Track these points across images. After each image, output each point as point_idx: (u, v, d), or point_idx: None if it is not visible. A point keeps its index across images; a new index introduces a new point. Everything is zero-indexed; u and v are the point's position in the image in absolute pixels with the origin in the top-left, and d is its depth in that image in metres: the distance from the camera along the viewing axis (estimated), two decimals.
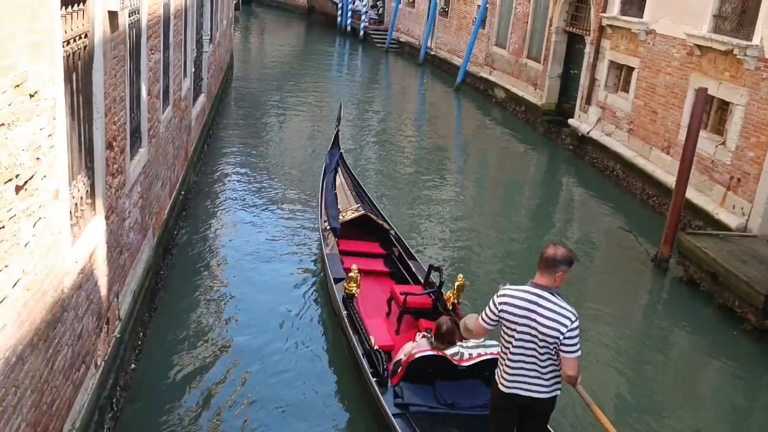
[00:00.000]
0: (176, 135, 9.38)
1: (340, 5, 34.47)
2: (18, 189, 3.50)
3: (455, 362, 5.45)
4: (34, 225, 3.74)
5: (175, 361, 6.66)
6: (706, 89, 9.85)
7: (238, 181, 12.27)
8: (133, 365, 6.35)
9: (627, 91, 13.98)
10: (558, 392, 4.45)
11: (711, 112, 11.11)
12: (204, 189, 11.41)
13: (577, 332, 4.20)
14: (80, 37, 4.62)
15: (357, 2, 33.29)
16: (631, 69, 13.84)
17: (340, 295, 6.81)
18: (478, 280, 9.05)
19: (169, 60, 8.53)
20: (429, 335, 5.74)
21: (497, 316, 4.40)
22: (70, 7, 4.34)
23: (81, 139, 4.78)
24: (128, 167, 6.14)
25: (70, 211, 4.54)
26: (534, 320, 4.25)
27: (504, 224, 11.50)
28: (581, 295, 9.07)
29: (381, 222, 8.59)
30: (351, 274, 6.68)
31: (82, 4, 4.60)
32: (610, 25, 14.42)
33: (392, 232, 8.47)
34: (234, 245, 9.53)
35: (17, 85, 3.40)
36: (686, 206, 10.43)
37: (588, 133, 14.99)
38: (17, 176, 3.47)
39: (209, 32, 13.51)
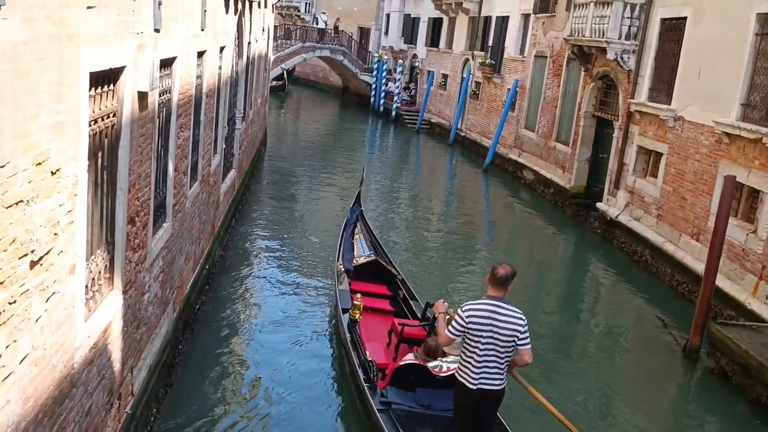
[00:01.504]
0: (203, 210, 9.50)
1: (373, 86, 35.32)
2: (33, 264, 3.53)
3: (434, 373, 6.39)
4: (47, 300, 3.76)
5: None
6: (735, 177, 9.76)
7: (264, 256, 12.32)
8: None
9: (656, 177, 13.91)
10: (504, 385, 5.40)
11: (741, 200, 10.97)
12: (230, 263, 11.46)
13: (527, 328, 5.31)
14: (108, 116, 4.75)
15: (390, 84, 34.09)
16: (659, 155, 13.82)
17: (345, 322, 8.01)
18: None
19: (199, 137, 8.73)
20: (416, 352, 6.82)
21: (465, 327, 5.27)
22: (99, 87, 4.48)
23: (102, 214, 4.85)
24: (150, 242, 6.20)
25: (87, 286, 4.57)
26: (496, 326, 5.24)
27: (531, 307, 11.27)
28: (609, 385, 8.79)
29: (389, 267, 9.66)
30: (355, 302, 7.96)
31: (112, 84, 4.76)
32: (639, 111, 14.50)
33: (399, 277, 9.48)
34: (256, 321, 9.52)
35: (39, 163, 3.48)
36: (717, 295, 10.17)
37: (616, 217, 14.87)
38: (33, 251, 3.52)
39: (242, 110, 13.87)
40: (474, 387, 5.29)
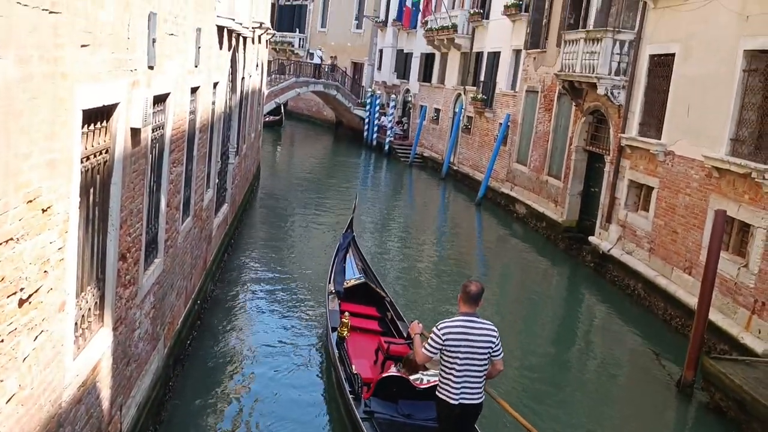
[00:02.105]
0: (195, 245, 9.48)
1: (366, 121, 35.57)
2: (21, 302, 3.51)
3: (415, 385, 6.87)
4: (35, 339, 3.73)
5: None
6: (725, 211, 9.82)
7: (256, 289, 12.27)
8: None
9: (647, 210, 13.98)
10: (483, 398, 5.66)
11: (732, 234, 11.02)
12: (222, 298, 11.40)
13: (499, 339, 5.61)
14: (101, 153, 4.76)
15: (383, 118, 34.34)
16: (650, 189, 13.91)
17: (334, 339, 8.39)
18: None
19: (192, 172, 8.75)
20: (399, 366, 7.20)
21: (441, 344, 5.47)
22: (92, 124, 4.50)
23: (93, 251, 4.83)
24: (141, 278, 6.17)
25: (76, 323, 4.54)
26: (472, 340, 5.47)
27: (525, 341, 11.27)
28: (603, 420, 8.73)
29: (378, 290, 10.04)
30: (343, 320, 8.37)
31: (105, 121, 4.78)
32: (629, 146, 14.63)
33: (387, 299, 9.87)
34: (248, 354, 9.47)
35: (30, 201, 3.48)
36: (710, 329, 10.15)
37: (609, 251, 14.90)
38: (21, 290, 3.50)
39: (236, 144, 13.92)
40: (456, 402, 5.51)
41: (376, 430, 6.55)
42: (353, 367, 7.53)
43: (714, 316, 10.35)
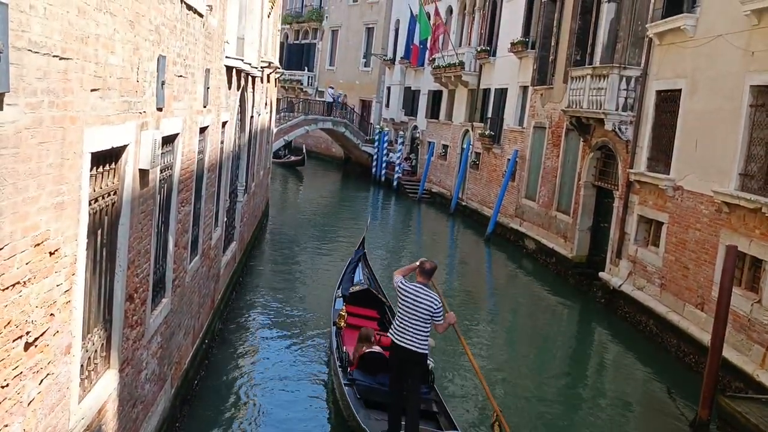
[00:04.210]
0: (203, 284, 9.47)
1: (375, 157, 35.75)
2: (27, 346, 3.49)
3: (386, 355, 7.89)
4: (41, 382, 3.70)
5: None
6: (736, 246, 9.74)
7: (264, 327, 12.20)
8: None
9: (657, 246, 13.90)
10: (426, 351, 7.20)
11: (744, 269, 10.92)
12: (230, 336, 11.33)
13: (441, 310, 7.20)
14: (109, 195, 4.78)
15: (391, 154, 34.51)
16: (660, 224, 13.84)
17: (333, 330, 9.70)
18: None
19: (201, 211, 8.78)
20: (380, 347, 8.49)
21: (399, 290, 7.24)
22: (101, 167, 4.53)
23: (100, 292, 4.83)
24: (148, 318, 6.15)
25: (82, 365, 4.51)
26: (417, 302, 7.12)
27: (537, 377, 11.13)
28: None
29: (380, 296, 11.08)
30: (341, 313, 9.70)
31: (113, 163, 4.81)
32: (638, 181, 14.61)
33: (387, 304, 10.80)
34: (256, 394, 9.39)
35: (37, 244, 3.49)
36: (724, 366, 10.01)
37: (619, 286, 14.79)
38: (28, 333, 3.48)
39: (245, 182, 13.99)
40: (398, 342, 7.16)
41: (355, 394, 7.98)
42: (344, 347, 8.97)
43: (728, 353, 10.21)
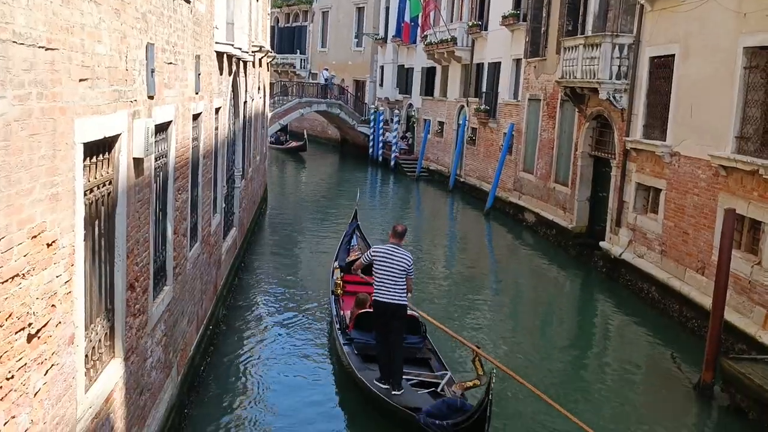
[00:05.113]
0: (205, 270, 9.49)
1: (371, 137, 35.67)
2: (30, 337, 3.52)
3: None
4: (46, 373, 3.73)
5: None
6: (734, 210, 9.75)
7: (268, 311, 12.26)
8: None
9: (656, 213, 13.91)
10: (406, 302, 7.96)
11: (743, 232, 10.94)
12: (234, 322, 11.39)
13: (413, 266, 8.06)
14: (104, 185, 4.79)
15: (387, 134, 34.43)
16: (658, 190, 13.84)
17: (332, 298, 10.61)
18: (518, 402, 8.74)
19: (198, 198, 8.78)
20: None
21: (371, 258, 8.04)
22: (94, 157, 4.53)
23: (101, 282, 4.85)
24: (151, 306, 6.17)
25: (87, 355, 4.54)
26: (392, 260, 7.89)
27: (541, 348, 11.20)
28: (621, 425, 8.63)
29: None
30: (337, 281, 10.48)
31: (107, 153, 4.81)
32: (634, 149, 14.59)
33: None
34: (263, 377, 9.47)
35: (34, 236, 3.50)
36: (727, 329, 10.06)
37: (620, 255, 14.82)
38: (30, 325, 3.51)
39: (241, 168, 13.98)
40: (379, 299, 7.91)
41: (353, 350, 8.82)
42: (342, 311, 9.82)
43: (730, 315, 10.26)
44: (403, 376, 8.05)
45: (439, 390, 7.96)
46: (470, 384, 7.83)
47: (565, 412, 7.41)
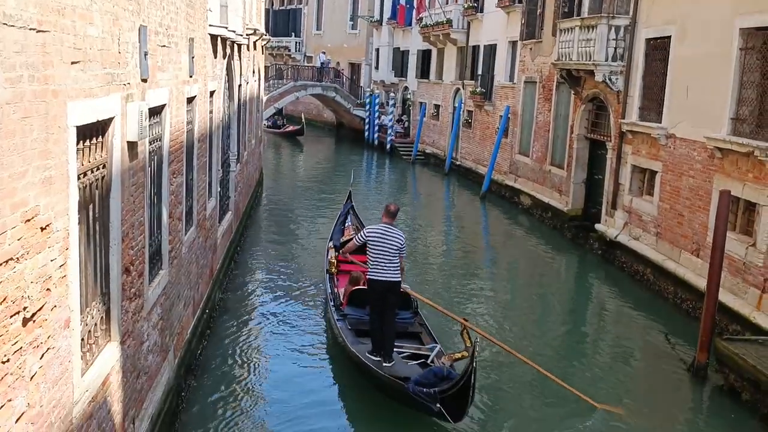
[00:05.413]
0: (200, 254, 9.49)
1: (366, 120, 35.56)
2: (25, 321, 3.52)
3: None
4: (42, 356, 3.74)
5: None
6: (729, 191, 9.76)
7: (264, 294, 12.29)
8: None
9: (652, 195, 13.93)
10: (400, 278, 8.24)
11: (738, 214, 10.96)
12: (230, 306, 11.41)
13: (406, 245, 8.32)
14: (98, 168, 4.77)
15: (383, 117, 34.33)
16: (654, 173, 13.85)
17: (327, 277, 10.89)
18: (515, 386, 8.80)
19: (193, 182, 8.76)
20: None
21: (365, 239, 8.22)
22: (87, 140, 4.51)
23: (96, 266, 4.84)
24: (147, 290, 6.18)
25: (83, 339, 4.55)
26: (385, 240, 8.12)
27: (537, 329, 11.25)
28: (618, 406, 8.70)
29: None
30: (331, 260, 10.62)
31: (100, 136, 4.79)
32: (630, 131, 14.58)
33: None
34: (260, 360, 9.56)
35: (27, 220, 3.49)
36: (721, 310, 10.11)
37: (615, 237, 14.86)
38: (25, 308, 3.50)
39: (236, 152, 13.93)
40: (375, 278, 8.16)
41: (347, 326, 9.13)
42: (336, 289, 10.20)
43: (724, 297, 10.31)
44: (395, 349, 8.36)
45: (428, 362, 8.25)
46: (459, 355, 8.08)
47: (552, 376, 8.06)
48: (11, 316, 3.35)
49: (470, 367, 6.93)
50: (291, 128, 38.95)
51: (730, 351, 8.86)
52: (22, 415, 3.49)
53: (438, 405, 7.11)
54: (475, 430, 7.83)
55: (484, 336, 8.63)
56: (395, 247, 8.10)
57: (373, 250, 8.14)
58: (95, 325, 4.85)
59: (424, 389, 7.22)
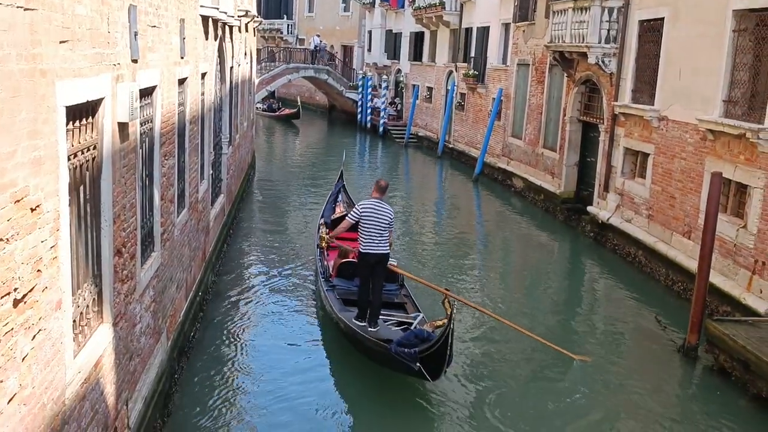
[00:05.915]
0: (193, 237, 9.47)
1: (359, 103, 35.44)
2: (16, 302, 3.51)
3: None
4: (33, 338, 3.73)
5: None
6: (721, 173, 9.78)
7: (257, 277, 12.29)
8: None
9: (644, 177, 13.95)
10: (389, 251, 8.71)
11: (729, 196, 11.00)
12: (223, 288, 11.41)
13: (394, 220, 8.72)
14: (88, 149, 4.73)
15: (376, 100, 34.20)
16: (646, 155, 13.87)
17: (317, 252, 11.23)
18: (506, 364, 8.84)
19: (185, 164, 8.72)
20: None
21: (359, 215, 8.53)
22: (77, 121, 4.47)
23: (88, 247, 4.82)
24: (139, 272, 6.16)
25: (75, 321, 4.54)
26: (377, 215, 8.47)
27: (529, 311, 11.29)
28: (608, 387, 8.76)
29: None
30: (322, 235, 10.40)
31: (90, 117, 4.75)
32: (623, 113, 14.57)
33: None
34: (253, 342, 9.57)
35: (17, 201, 3.46)
36: (712, 291, 10.17)
37: (608, 219, 14.90)
38: (15, 290, 3.49)
39: (228, 135, 13.87)
40: (366, 251, 8.54)
41: (335, 296, 9.58)
42: (325, 262, 10.69)
43: (715, 278, 10.37)
44: (380, 317, 8.82)
45: (412, 328, 8.65)
46: (440, 323, 8.35)
47: (529, 333, 9.11)
48: (1, 297, 3.34)
49: (448, 327, 7.31)
50: (287, 111, 38.82)
51: (720, 332, 8.92)
52: (14, 396, 3.49)
53: (417, 364, 7.48)
54: (456, 390, 8.29)
55: (463, 302, 9.37)
56: (386, 222, 8.50)
57: (365, 226, 8.49)
58: (87, 306, 4.83)
59: (405, 349, 7.62)
